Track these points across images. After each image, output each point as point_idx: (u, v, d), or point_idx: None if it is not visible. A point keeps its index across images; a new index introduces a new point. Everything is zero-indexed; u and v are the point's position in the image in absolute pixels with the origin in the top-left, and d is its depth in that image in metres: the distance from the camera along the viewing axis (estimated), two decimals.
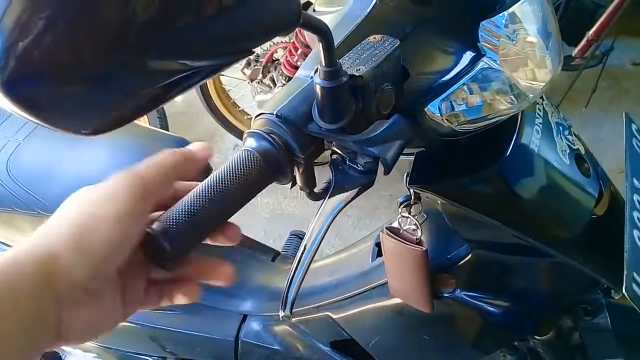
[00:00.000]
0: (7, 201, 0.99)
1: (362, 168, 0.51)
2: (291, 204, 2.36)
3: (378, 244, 0.94)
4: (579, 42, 2.11)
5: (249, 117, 2.36)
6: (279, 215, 2.33)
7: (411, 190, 0.70)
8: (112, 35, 0.28)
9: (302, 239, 0.82)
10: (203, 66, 0.35)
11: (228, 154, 2.61)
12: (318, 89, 0.47)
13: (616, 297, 0.77)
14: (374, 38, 0.52)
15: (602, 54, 2.16)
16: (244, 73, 2.26)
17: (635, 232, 0.66)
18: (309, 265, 0.55)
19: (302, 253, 0.55)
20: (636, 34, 2.82)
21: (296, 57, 2.03)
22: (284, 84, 2.13)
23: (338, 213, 0.54)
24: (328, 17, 0.61)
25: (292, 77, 2.27)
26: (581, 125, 2.26)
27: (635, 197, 0.70)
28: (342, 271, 0.99)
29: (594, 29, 2.02)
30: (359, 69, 0.48)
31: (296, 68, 2.02)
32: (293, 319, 1.02)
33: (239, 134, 2.35)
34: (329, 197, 0.54)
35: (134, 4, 0.28)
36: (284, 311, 0.58)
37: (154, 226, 0.44)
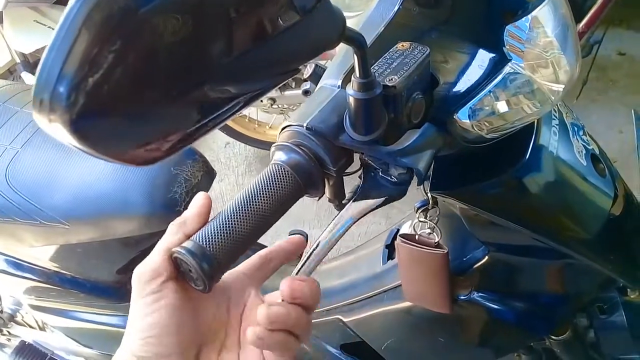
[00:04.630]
0: (8, 211, 0.96)
1: (395, 179, 0.50)
2: None
3: (388, 246, 0.94)
4: None
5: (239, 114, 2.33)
6: None
7: (429, 195, 0.69)
8: (181, 61, 0.27)
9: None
10: (251, 90, 0.33)
11: (219, 152, 2.58)
12: (351, 100, 0.45)
13: (632, 296, 0.78)
14: (402, 45, 0.51)
15: (591, 45, 2.17)
16: None
17: None
18: (316, 265, 0.53)
19: (313, 250, 0.52)
20: (621, 23, 2.84)
21: None
22: None
23: (358, 220, 0.53)
24: (348, 22, 0.60)
25: None
26: None
27: None
28: (352, 274, 0.99)
29: (584, 21, 2.02)
30: (392, 79, 0.47)
31: None
32: None
33: (229, 131, 2.32)
34: (354, 201, 0.52)
35: (201, 36, 0.26)
36: None
37: (189, 247, 0.43)
